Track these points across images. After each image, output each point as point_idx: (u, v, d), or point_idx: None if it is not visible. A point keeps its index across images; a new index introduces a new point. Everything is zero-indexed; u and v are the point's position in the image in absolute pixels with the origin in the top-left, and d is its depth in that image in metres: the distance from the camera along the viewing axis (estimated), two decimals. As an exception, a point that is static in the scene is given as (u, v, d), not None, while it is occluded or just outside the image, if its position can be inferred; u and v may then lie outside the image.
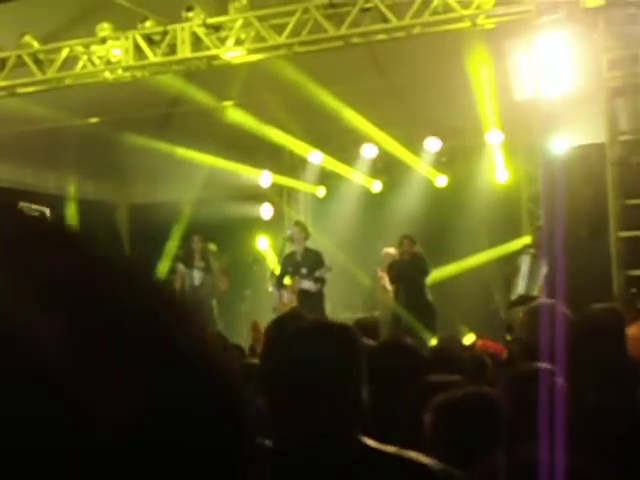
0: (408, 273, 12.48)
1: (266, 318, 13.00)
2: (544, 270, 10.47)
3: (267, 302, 13.52)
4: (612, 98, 9.08)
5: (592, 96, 9.26)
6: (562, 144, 11.07)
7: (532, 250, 12.42)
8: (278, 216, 16.33)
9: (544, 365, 3.28)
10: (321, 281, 12.13)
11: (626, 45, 8.98)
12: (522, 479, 2.57)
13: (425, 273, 12.61)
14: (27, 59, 11.23)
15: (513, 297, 12.34)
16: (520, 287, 12.20)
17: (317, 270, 12.09)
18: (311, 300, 11.86)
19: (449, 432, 2.94)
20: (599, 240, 9.00)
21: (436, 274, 13.03)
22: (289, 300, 12.17)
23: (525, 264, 12.21)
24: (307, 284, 12.10)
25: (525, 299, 11.13)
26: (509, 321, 11.31)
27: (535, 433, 2.83)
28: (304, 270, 12.14)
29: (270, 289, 13.19)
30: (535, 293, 11.26)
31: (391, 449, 2.40)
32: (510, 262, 12.80)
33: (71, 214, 15.03)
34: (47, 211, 12.53)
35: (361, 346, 2.55)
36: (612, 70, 9.05)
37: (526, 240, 13.34)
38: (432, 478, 2.36)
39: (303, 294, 12.08)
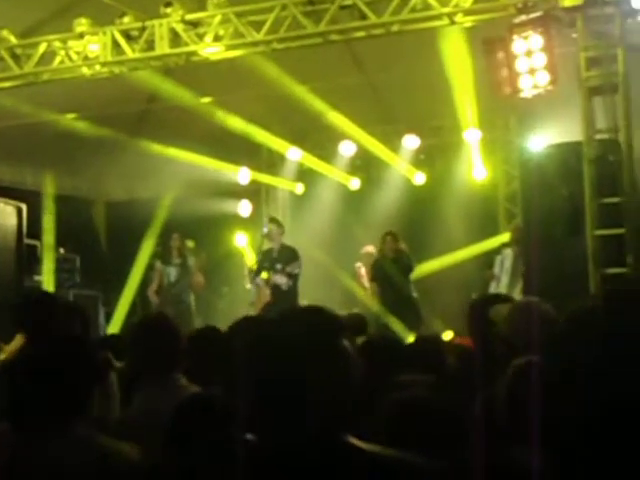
0: (391, 271, 12.47)
1: (244, 315, 13.06)
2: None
3: (245, 299, 13.48)
4: (590, 97, 9.11)
5: (570, 95, 9.29)
6: (539, 142, 11.12)
7: (508, 248, 12.49)
8: (256, 213, 16.30)
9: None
10: (293, 277, 12.09)
11: (604, 44, 9.01)
12: None
13: (410, 270, 12.60)
14: (4, 54, 11.16)
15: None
16: (503, 282, 12.26)
17: (289, 265, 12.07)
18: (284, 296, 11.85)
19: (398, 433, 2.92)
20: (576, 238, 9.03)
21: (414, 271, 13.05)
22: (263, 295, 12.16)
23: (508, 260, 12.27)
24: (279, 279, 12.07)
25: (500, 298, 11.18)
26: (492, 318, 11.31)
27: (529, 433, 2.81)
28: (279, 266, 12.13)
29: (248, 286, 13.18)
30: (518, 288, 11.32)
31: (375, 448, 2.39)
32: (489, 265, 12.84)
33: (48, 210, 14.96)
34: (24, 207, 12.45)
35: (344, 339, 2.51)
36: (590, 69, 9.09)
37: (503, 238, 13.40)
38: (417, 475, 2.35)
39: (276, 289, 12.07)
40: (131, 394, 4.21)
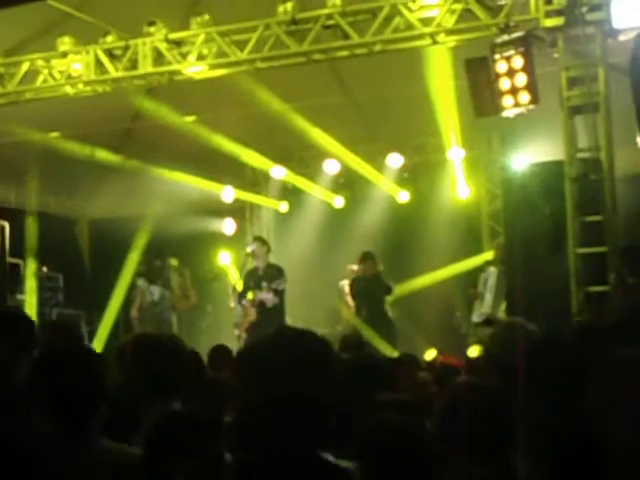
0: (370, 290, 12.51)
1: (227, 334, 13.03)
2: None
3: (228, 318, 13.46)
4: (571, 116, 9.17)
5: (551, 114, 9.35)
6: (522, 161, 11.16)
7: (492, 266, 12.52)
8: (240, 231, 16.28)
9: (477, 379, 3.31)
10: (278, 294, 12.05)
11: (585, 64, 9.07)
12: None
13: (389, 291, 12.62)
14: (-13, 73, 11.16)
15: (478, 313, 12.42)
16: (487, 300, 12.28)
17: (274, 282, 12.04)
18: (270, 314, 11.80)
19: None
20: (558, 256, 9.07)
21: (397, 289, 13.05)
22: (249, 314, 12.11)
23: (492, 277, 12.29)
24: (265, 296, 12.03)
25: (493, 320, 11.27)
26: (479, 338, 11.42)
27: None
28: (264, 284, 12.09)
29: (232, 304, 13.14)
30: (502, 307, 11.35)
31: (346, 464, 2.41)
32: (472, 284, 12.87)
33: (31, 229, 14.92)
34: (6, 225, 12.43)
35: (337, 363, 2.53)
36: (571, 88, 9.15)
37: (487, 256, 13.43)
38: None
39: (261, 307, 12.02)
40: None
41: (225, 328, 13.61)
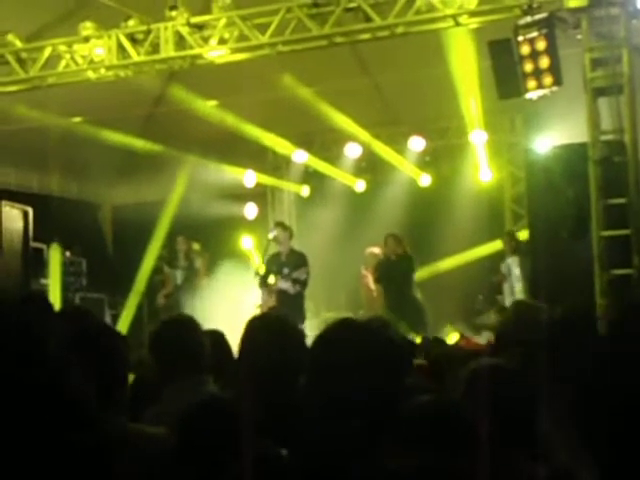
0: (394, 272, 12.46)
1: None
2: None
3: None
4: (595, 98, 9.11)
5: (575, 96, 9.29)
6: (545, 144, 11.11)
7: (510, 257, 12.47)
8: (262, 216, 16.29)
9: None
10: (299, 283, 12.02)
11: (609, 45, 9.00)
12: None
13: (411, 271, 12.59)
14: (10, 58, 11.19)
15: (510, 299, 12.38)
16: (517, 288, 12.23)
17: (296, 271, 12.01)
18: (289, 301, 11.79)
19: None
20: (582, 239, 9.02)
21: (419, 273, 13.05)
22: (269, 299, 12.11)
23: (514, 266, 12.25)
24: (285, 284, 12.02)
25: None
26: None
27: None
28: (286, 270, 12.07)
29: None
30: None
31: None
32: (497, 269, 12.84)
33: (55, 214, 14.98)
34: (30, 210, 12.48)
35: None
36: (595, 70, 9.08)
37: (509, 240, 13.39)
38: None
39: (282, 294, 12.01)
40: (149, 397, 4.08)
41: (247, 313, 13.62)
